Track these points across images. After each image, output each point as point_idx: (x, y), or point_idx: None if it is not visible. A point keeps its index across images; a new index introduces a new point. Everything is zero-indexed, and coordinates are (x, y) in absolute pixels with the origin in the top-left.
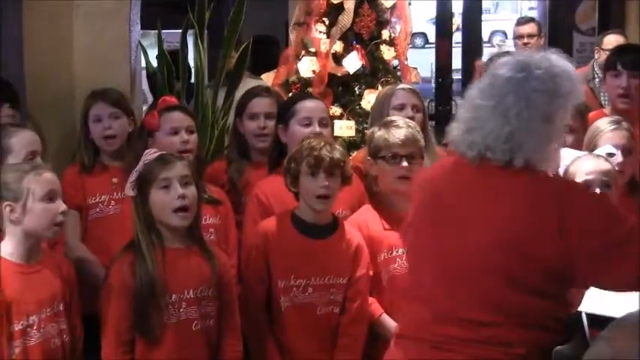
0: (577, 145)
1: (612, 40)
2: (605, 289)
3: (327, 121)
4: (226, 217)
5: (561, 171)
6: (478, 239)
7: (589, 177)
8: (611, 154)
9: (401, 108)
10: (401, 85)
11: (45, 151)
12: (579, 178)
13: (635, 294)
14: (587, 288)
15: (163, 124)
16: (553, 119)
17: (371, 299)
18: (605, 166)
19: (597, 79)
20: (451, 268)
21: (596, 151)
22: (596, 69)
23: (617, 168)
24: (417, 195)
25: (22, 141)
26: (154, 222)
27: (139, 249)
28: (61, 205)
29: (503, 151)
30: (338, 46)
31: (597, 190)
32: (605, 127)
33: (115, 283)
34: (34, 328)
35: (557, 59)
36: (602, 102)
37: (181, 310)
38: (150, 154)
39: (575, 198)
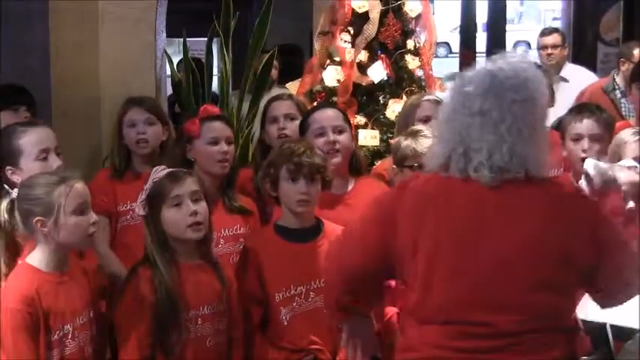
0: (602, 155)
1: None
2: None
3: (344, 128)
4: (255, 228)
5: (582, 181)
6: (511, 250)
7: (624, 188)
8: (633, 167)
9: (426, 120)
10: (427, 97)
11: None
12: None
13: None
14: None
15: (204, 132)
16: (537, 125)
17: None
18: (636, 177)
19: (618, 91)
20: (485, 284)
21: (619, 163)
22: (617, 80)
23: None
24: (415, 210)
25: (31, 140)
26: (166, 239)
27: (155, 266)
28: (92, 217)
29: (515, 167)
30: (363, 56)
31: (631, 202)
32: (630, 138)
33: (134, 299)
34: (69, 337)
35: (519, 63)
36: (624, 113)
37: (197, 326)
38: (158, 172)
39: (598, 207)
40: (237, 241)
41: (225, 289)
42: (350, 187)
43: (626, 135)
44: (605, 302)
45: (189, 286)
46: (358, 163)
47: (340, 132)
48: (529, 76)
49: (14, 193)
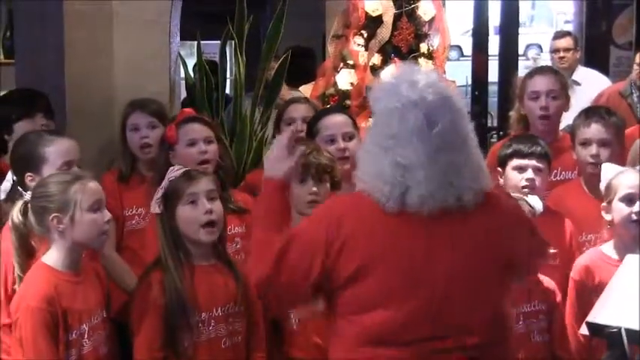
0: (611, 160)
1: None
2: None
3: (353, 134)
4: (252, 226)
5: (603, 185)
6: (460, 267)
7: (631, 190)
8: None
9: None
10: None
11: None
12: (621, 192)
13: None
14: None
15: (182, 136)
16: (467, 142)
17: None
18: None
19: (635, 95)
20: (437, 299)
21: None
22: (635, 84)
23: None
24: (361, 235)
25: (58, 150)
26: (180, 239)
27: (167, 267)
28: (106, 214)
29: (450, 185)
30: (376, 59)
31: (639, 204)
32: None
33: (145, 301)
34: (86, 336)
35: (430, 76)
36: None
37: (210, 327)
38: (174, 171)
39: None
40: (233, 241)
41: (241, 290)
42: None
43: None
44: None
45: (203, 288)
46: None
47: (350, 138)
48: (445, 89)
49: (28, 195)
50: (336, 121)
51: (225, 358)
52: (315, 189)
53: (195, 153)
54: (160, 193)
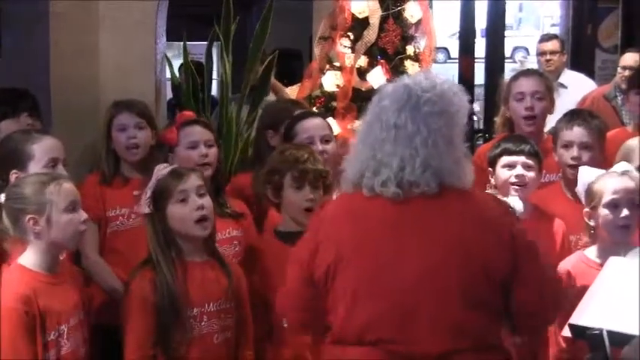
0: (592, 163)
1: (628, 59)
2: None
3: (331, 137)
4: (248, 230)
5: (582, 188)
6: (429, 265)
7: (616, 196)
8: (626, 172)
9: None
10: None
11: (67, 159)
12: (606, 198)
13: None
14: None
15: (182, 138)
16: (454, 138)
17: None
18: (631, 184)
19: (620, 98)
20: (404, 300)
21: (612, 168)
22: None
23: None
24: (330, 234)
25: (43, 147)
26: (172, 237)
27: (157, 264)
28: (82, 215)
29: (427, 180)
30: (362, 61)
31: (625, 210)
32: (639, 145)
33: (136, 299)
34: (64, 337)
35: (439, 77)
36: (624, 120)
37: (203, 323)
38: (162, 170)
39: (515, 221)
40: (232, 243)
41: (232, 285)
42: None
43: (634, 142)
44: (519, 323)
45: (195, 284)
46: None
47: (327, 141)
48: (445, 90)
49: (2, 197)
50: (314, 124)
51: (216, 353)
52: (311, 196)
53: (196, 156)
54: (148, 192)
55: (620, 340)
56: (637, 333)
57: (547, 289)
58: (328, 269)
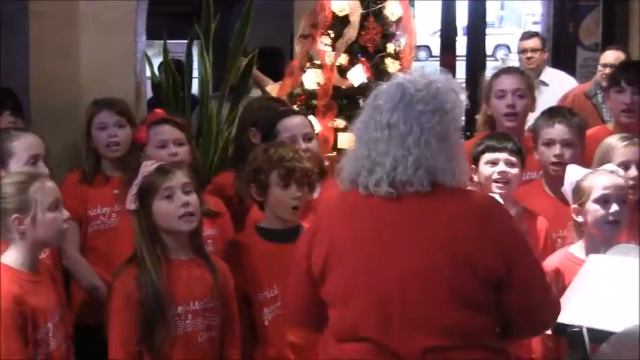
0: (574, 160)
1: (608, 56)
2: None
3: (312, 135)
4: (224, 228)
5: (569, 187)
6: (416, 261)
7: (606, 191)
8: (615, 172)
9: None
10: None
11: (48, 156)
12: (596, 193)
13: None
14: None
15: (152, 137)
16: (448, 136)
17: None
18: (620, 181)
19: (600, 95)
20: (393, 298)
21: (601, 168)
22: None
23: (632, 183)
24: (326, 232)
25: (24, 144)
26: (158, 233)
27: (142, 261)
28: (64, 213)
29: (419, 179)
30: (343, 59)
31: (614, 205)
32: (618, 143)
33: (120, 296)
34: (51, 334)
35: (433, 75)
36: (605, 118)
37: (187, 321)
38: (148, 167)
39: (509, 221)
40: (206, 242)
41: (218, 284)
42: (318, 193)
43: (614, 140)
44: (513, 325)
45: (180, 282)
46: (322, 168)
47: (309, 139)
48: (439, 88)
49: None
50: (296, 122)
51: (201, 351)
52: (298, 194)
53: (165, 155)
54: (134, 189)
55: (600, 337)
56: (616, 330)
57: (542, 289)
58: (322, 266)
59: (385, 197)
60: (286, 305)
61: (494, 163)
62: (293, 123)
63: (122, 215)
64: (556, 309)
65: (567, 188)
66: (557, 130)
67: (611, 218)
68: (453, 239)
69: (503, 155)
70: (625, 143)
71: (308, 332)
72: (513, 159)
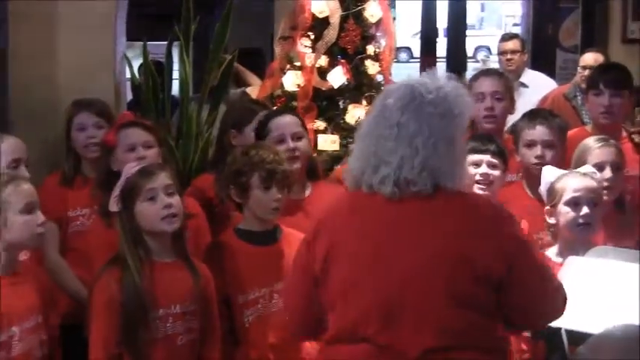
0: (555, 161)
1: (587, 58)
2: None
3: (302, 134)
4: (198, 230)
5: (544, 188)
6: (416, 262)
7: (577, 194)
8: (591, 173)
9: None
10: None
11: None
12: (567, 195)
13: (615, 310)
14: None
15: (121, 140)
16: (454, 140)
17: None
18: (592, 183)
19: (580, 97)
20: (391, 296)
21: (576, 170)
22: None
23: (606, 184)
24: (327, 231)
25: (6, 148)
26: (140, 235)
27: (125, 263)
28: (39, 217)
29: (423, 180)
30: (323, 61)
31: (585, 208)
32: (594, 145)
33: (102, 297)
34: (16, 339)
35: (443, 79)
36: (584, 119)
37: (168, 324)
38: (131, 168)
39: (510, 222)
40: None
41: (199, 287)
42: (308, 193)
43: (589, 142)
44: (515, 324)
45: (162, 284)
46: (315, 168)
47: (299, 138)
48: (449, 93)
49: None
50: (286, 121)
51: (180, 354)
52: (279, 195)
53: (133, 158)
54: (117, 190)
55: (578, 339)
56: (594, 332)
57: (543, 290)
58: (323, 265)
59: (388, 197)
60: (285, 306)
61: (476, 164)
62: (283, 122)
63: (95, 216)
64: (558, 309)
65: (543, 189)
66: (539, 132)
67: (581, 221)
68: (453, 240)
69: (486, 157)
70: (600, 145)
71: (306, 338)
72: (495, 161)
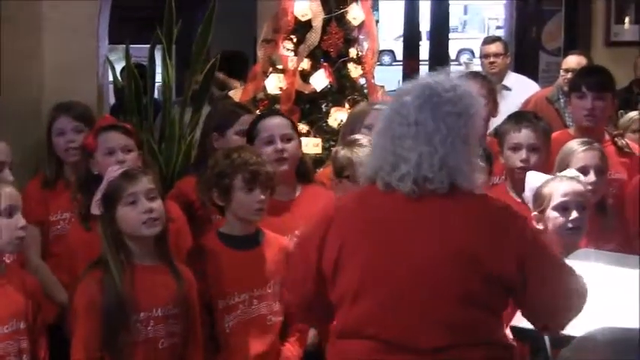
0: (539, 165)
1: (570, 61)
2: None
3: (292, 136)
4: (179, 233)
5: (530, 193)
6: (428, 260)
7: (565, 199)
8: (575, 177)
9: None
10: (377, 105)
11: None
12: (555, 200)
13: (598, 313)
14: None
15: (100, 144)
16: (469, 140)
17: None
18: (580, 187)
19: (562, 100)
20: (401, 293)
21: (561, 174)
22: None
23: (590, 187)
24: (340, 227)
25: None
26: (122, 239)
27: (107, 267)
28: (20, 221)
29: (440, 178)
30: (305, 64)
31: (574, 212)
32: (578, 148)
33: (83, 301)
34: None
35: (457, 79)
36: (567, 122)
37: (149, 328)
38: (113, 172)
39: (522, 224)
40: None
41: (181, 291)
42: (297, 194)
43: (573, 145)
44: (537, 324)
45: (143, 288)
46: (306, 171)
47: (288, 140)
48: (464, 93)
49: None
50: (275, 123)
51: (162, 358)
52: (262, 197)
53: (112, 162)
54: (99, 194)
55: (561, 341)
56: (577, 334)
57: (557, 290)
58: (334, 262)
59: (405, 195)
60: (290, 300)
61: None
62: (272, 123)
63: (75, 220)
64: (574, 308)
65: (528, 195)
66: (524, 135)
67: (570, 225)
68: (466, 240)
69: None
70: (584, 148)
71: (314, 325)
72: (482, 164)
